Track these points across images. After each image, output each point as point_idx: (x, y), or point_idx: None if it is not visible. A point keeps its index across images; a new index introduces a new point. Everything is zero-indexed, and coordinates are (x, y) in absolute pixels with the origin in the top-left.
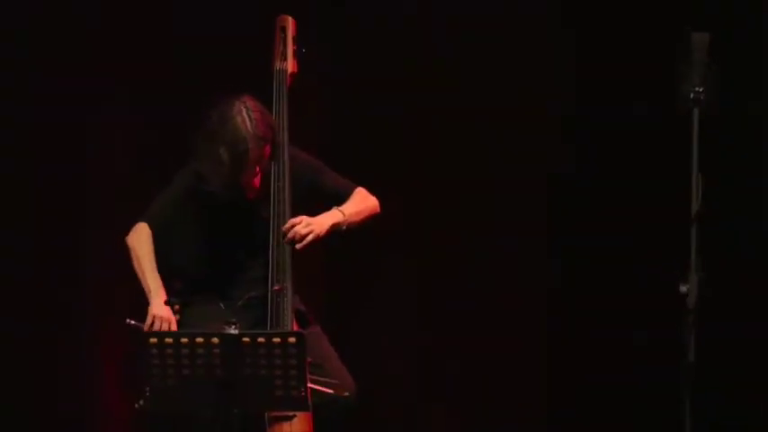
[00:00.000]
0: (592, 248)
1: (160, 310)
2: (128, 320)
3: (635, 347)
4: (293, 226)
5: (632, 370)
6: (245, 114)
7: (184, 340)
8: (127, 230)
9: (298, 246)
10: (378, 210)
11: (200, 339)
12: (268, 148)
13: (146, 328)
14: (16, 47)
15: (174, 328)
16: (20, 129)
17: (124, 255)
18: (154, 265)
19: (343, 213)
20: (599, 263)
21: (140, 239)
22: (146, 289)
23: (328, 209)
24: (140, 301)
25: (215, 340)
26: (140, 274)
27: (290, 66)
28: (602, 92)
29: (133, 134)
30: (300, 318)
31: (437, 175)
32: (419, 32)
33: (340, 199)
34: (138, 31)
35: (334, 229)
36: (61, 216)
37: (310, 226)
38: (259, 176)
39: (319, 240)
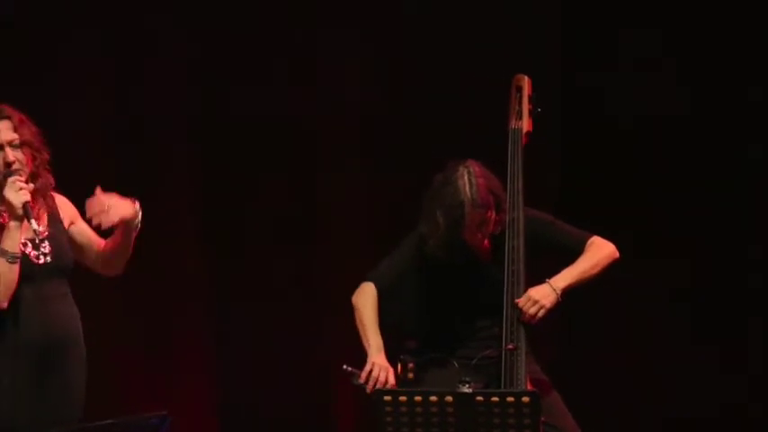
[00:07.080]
0: None
1: (378, 359)
2: (344, 366)
3: None
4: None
5: None
6: (466, 179)
7: (418, 399)
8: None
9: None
10: (616, 256)
11: (433, 398)
12: (491, 214)
13: (364, 374)
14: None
15: (391, 377)
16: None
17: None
18: (376, 324)
19: (558, 289)
20: None
21: (366, 299)
22: (365, 345)
23: (565, 263)
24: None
25: (449, 399)
26: (362, 332)
27: (526, 125)
28: None
29: (365, 197)
30: (534, 377)
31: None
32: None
33: (574, 252)
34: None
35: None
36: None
37: (537, 304)
38: (486, 240)
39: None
